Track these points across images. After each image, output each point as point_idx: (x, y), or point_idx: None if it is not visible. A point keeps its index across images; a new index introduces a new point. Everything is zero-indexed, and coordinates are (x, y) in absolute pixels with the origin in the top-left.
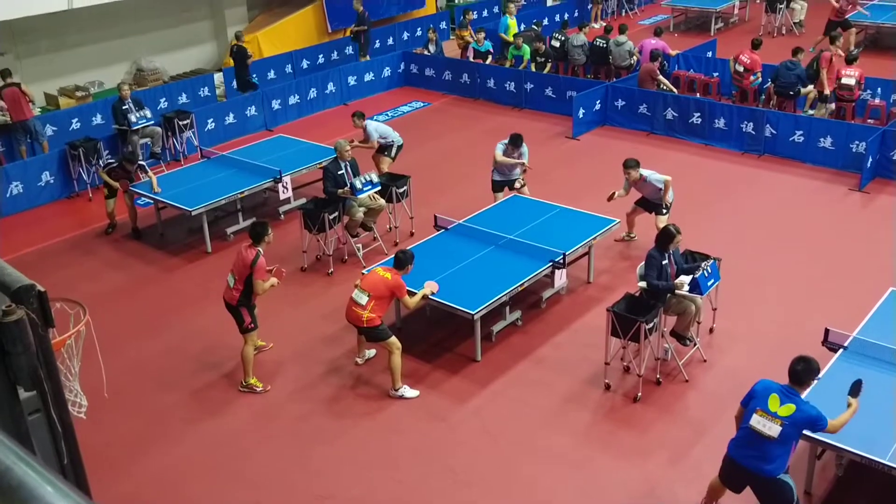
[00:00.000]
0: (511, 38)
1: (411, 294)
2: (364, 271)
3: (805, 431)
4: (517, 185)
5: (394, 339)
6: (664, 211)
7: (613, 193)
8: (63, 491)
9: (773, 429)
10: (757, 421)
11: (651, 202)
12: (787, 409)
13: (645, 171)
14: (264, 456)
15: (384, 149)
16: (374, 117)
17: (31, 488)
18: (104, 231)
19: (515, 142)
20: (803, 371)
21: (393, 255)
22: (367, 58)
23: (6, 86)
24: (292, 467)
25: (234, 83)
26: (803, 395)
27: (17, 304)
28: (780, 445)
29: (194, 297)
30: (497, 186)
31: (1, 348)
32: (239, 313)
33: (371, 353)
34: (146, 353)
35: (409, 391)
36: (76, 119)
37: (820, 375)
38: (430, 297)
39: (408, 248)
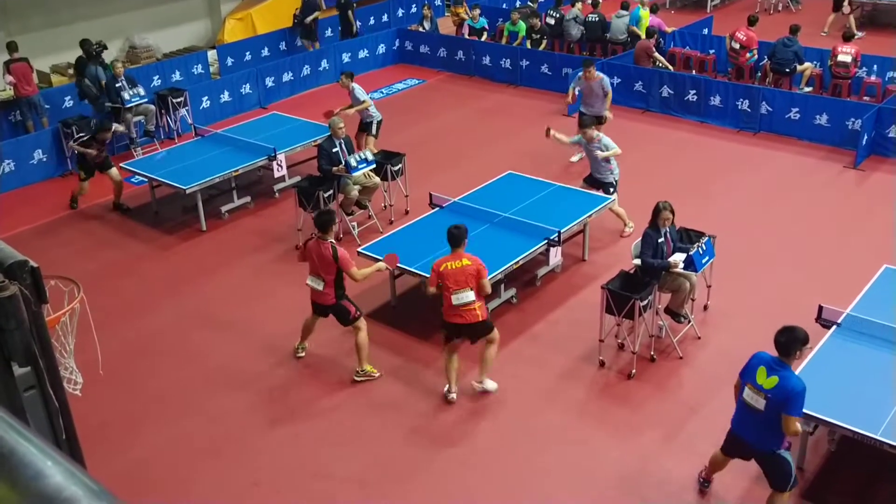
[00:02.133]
0: (643, 33)
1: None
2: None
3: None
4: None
5: (496, 330)
6: (612, 190)
7: (550, 130)
8: (54, 458)
9: (759, 402)
10: (748, 394)
11: (597, 179)
12: (771, 382)
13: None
14: (262, 435)
15: (366, 127)
16: (370, 95)
17: (22, 455)
18: (69, 206)
19: (587, 64)
20: (786, 341)
21: (448, 238)
22: (318, 46)
23: (15, 60)
24: (290, 446)
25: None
26: (795, 368)
27: (10, 279)
28: (769, 419)
29: (189, 274)
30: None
31: None
32: (341, 309)
33: (491, 384)
34: (142, 331)
35: (491, 383)
36: (69, 97)
37: (810, 348)
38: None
39: (401, 226)
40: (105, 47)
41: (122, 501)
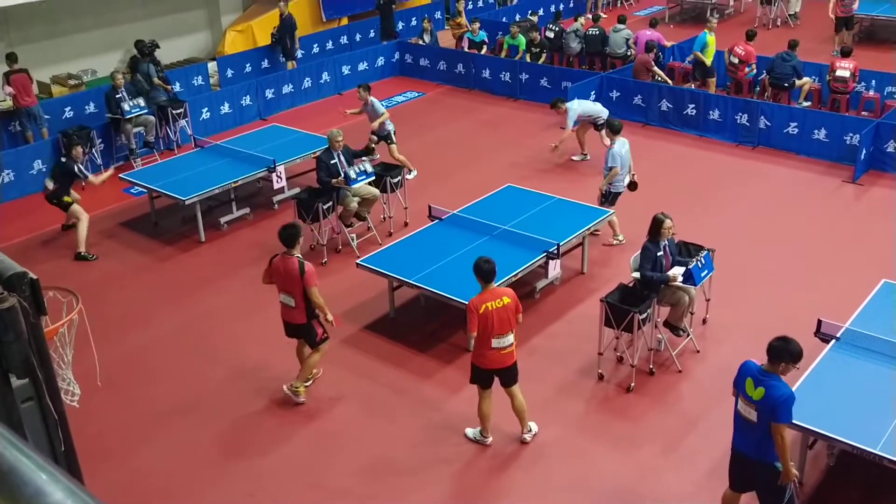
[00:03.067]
0: (709, 60)
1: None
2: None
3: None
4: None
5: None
6: (604, 202)
7: (633, 182)
8: (54, 475)
9: (752, 414)
10: (741, 406)
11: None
12: (759, 393)
13: (616, 143)
14: (258, 446)
15: (385, 137)
16: None
17: (22, 473)
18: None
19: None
20: (778, 348)
21: (479, 276)
22: (294, 65)
23: (15, 71)
24: (286, 458)
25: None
26: (791, 383)
27: (9, 291)
28: (763, 429)
29: (188, 286)
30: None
31: None
32: (310, 329)
33: (534, 426)
34: (140, 342)
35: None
36: (69, 107)
37: (809, 362)
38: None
39: (400, 239)
40: (157, 46)
41: None
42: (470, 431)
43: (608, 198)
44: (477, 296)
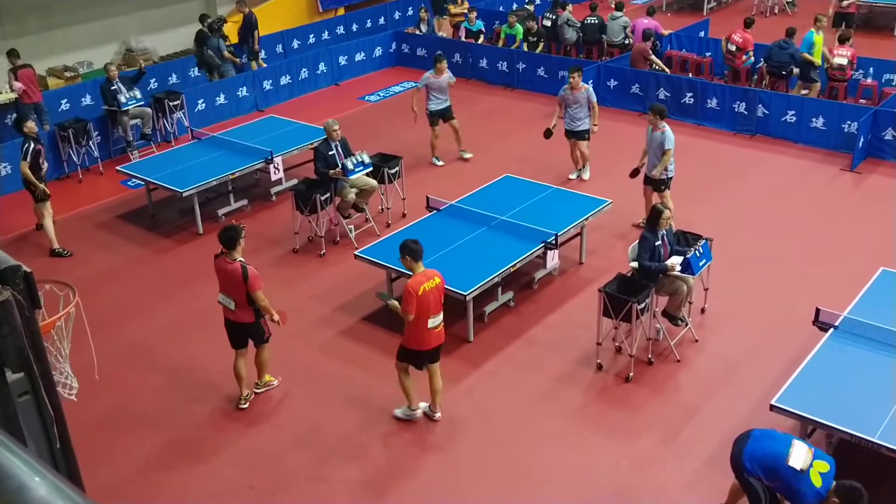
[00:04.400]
0: (818, 60)
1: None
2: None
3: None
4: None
5: None
6: (662, 187)
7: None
8: (39, 471)
9: (796, 463)
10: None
11: (651, 178)
12: (818, 481)
13: (667, 127)
14: (256, 438)
15: (444, 115)
16: (366, 97)
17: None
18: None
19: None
20: (852, 497)
21: (409, 255)
22: (263, 64)
23: (20, 66)
24: (286, 450)
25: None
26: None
27: (3, 285)
28: (781, 485)
29: (186, 278)
30: (567, 134)
31: None
32: (259, 328)
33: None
34: (138, 335)
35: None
36: (65, 100)
37: (805, 357)
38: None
39: (398, 229)
40: (224, 21)
41: None
42: (398, 411)
43: (666, 183)
44: (413, 278)
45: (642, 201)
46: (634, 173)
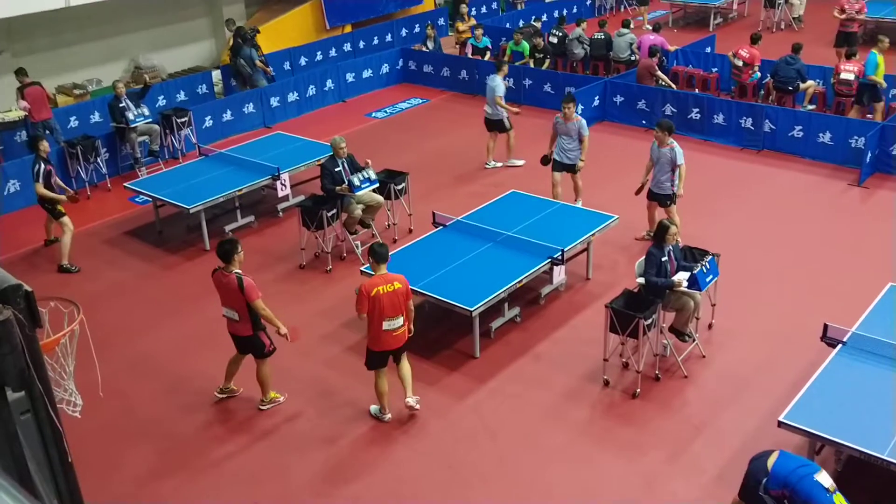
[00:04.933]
0: (881, 79)
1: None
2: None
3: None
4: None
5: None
6: (668, 203)
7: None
8: (15, 496)
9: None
10: None
11: (657, 194)
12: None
13: (675, 143)
14: (262, 455)
15: (499, 124)
16: (373, 114)
17: None
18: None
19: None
20: None
21: (373, 258)
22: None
23: (28, 84)
24: (290, 465)
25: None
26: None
27: (3, 304)
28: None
29: (193, 294)
30: (556, 166)
31: None
32: (256, 341)
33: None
34: (143, 351)
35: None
36: (74, 117)
37: (813, 373)
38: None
39: (404, 245)
40: (258, 31)
41: None
42: (373, 408)
43: (672, 198)
44: (369, 280)
45: (646, 216)
46: (640, 191)
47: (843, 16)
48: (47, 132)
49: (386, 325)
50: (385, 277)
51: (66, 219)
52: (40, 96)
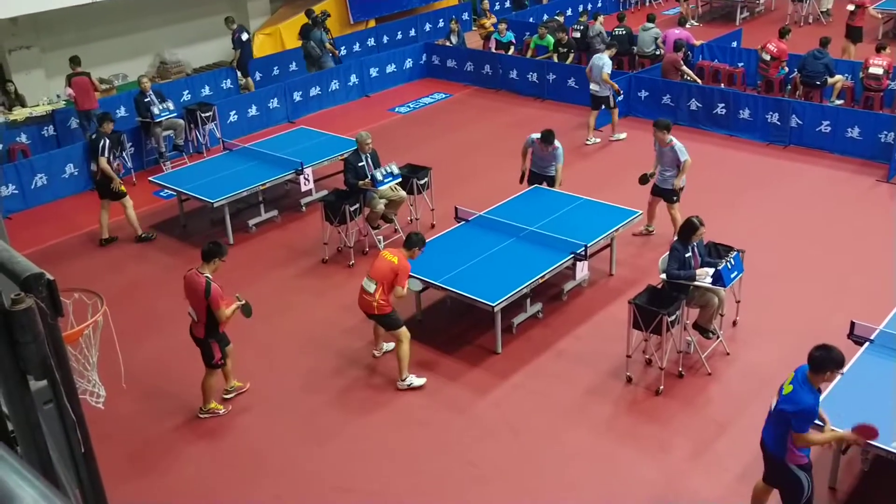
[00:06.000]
0: None
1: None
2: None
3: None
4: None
5: (404, 328)
6: (674, 199)
7: (645, 174)
8: (31, 482)
9: (773, 402)
10: (774, 398)
11: (662, 189)
12: (787, 388)
13: (675, 140)
14: (282, 449)
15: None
16: (396, 109)
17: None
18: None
19: (547, 138)
20: (820, 358)
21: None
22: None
23: (75, 74)
24: (312, 461)
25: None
26: (824, 388)
27: (25, 292)
28: (777, 423)
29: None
30: (533, 179)
31: (10, 337)
32: (207, 346)
33: (389, 346)
34: (166, 344)
35: (416, 380)
36: (99, 111)
37: (844, 370)
38: (423, 290)
39: (427, 240)
40: (328, 15)
41: None
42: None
43: (678, 194)
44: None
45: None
46: (643, 180)
47: (851, 7)
48: (91, 122)
49: (364, 282)
50: (398, 251)
51: (127, 198)
52: (85, 86)
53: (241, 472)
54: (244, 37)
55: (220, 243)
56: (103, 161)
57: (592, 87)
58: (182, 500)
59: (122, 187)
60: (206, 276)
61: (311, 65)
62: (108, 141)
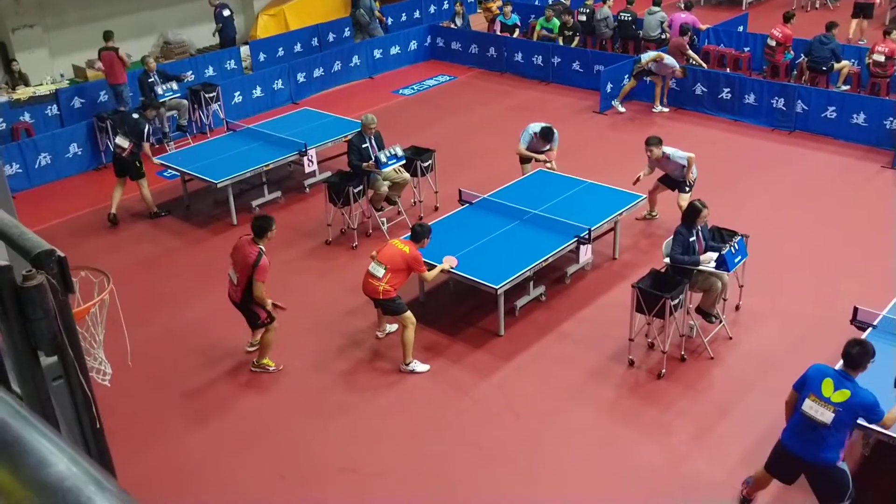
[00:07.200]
0: None
1: (430, 267)
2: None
3: (860, 420)
4: (547, 165)
5: (409, 313)
6: (687, 189)
7: (639, 176)
8: (61, 447)
9: (825, 415)
10: (809, 406)
11: (674, 179)
12: (842, 395)
13: (668, 149)
14: (286, 429)
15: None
16: (400, 91)
17: (26, 443)
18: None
19: (546, 135)
20: (858, 354)
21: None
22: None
23: (105, 49)
24: (317, 441)
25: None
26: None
27: (36, 269)
28: (835, 432)
29: (219, 268)
30: (524, 159)
31: (21, 314)
32: (248, 309)
33: (392, 327)
34: (171, 324)
35: (419, 366)
36: (104, 91)
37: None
38: (450, 270)
39: (430, 222)
40: None
41: (125, 492)
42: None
43: (691, 185)
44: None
45: (672, 198)
46: (637, 182)
47: None
48: (118, 98)
49: (371, 267)
50: (406, 242)
51: (143, 179)
52: (110, 61)
53: (245, 452)
54: (225, 13)
55: (267, 216)
56: (147, 146)
57: (648, 63)
58: (186, 479)
59: (143, 168)
60: (260, 248)
61: (359, 31)
62: (149, 127)
